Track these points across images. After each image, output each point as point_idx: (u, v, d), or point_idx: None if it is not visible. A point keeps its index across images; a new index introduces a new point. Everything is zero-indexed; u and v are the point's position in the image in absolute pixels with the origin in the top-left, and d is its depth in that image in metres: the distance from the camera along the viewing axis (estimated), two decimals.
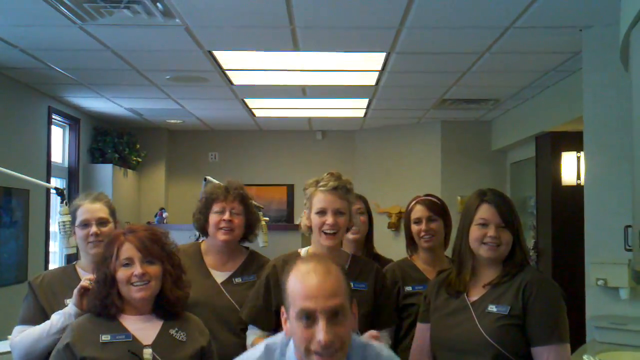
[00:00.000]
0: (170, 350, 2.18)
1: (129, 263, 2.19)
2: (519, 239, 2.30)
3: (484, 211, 2.29)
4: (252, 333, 2.58)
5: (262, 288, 2.56)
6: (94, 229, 2.67)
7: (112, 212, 2.79)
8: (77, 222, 2.72)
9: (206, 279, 2.83)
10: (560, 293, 2.24)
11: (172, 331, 2.23)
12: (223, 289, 2.80)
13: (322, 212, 2.50)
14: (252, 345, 2.47)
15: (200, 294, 2.74)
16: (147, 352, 2.14)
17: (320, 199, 2.51)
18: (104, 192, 2.96)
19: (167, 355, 2.16)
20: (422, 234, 2.93)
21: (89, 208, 2.72)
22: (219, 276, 2.85)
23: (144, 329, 2.20)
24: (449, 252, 3.07)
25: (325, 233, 2.50)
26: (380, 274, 2.70)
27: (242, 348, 2.70)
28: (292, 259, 2.25)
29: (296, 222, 4.05)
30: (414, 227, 2.97)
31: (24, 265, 5.69)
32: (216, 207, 2.83)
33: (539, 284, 2.21)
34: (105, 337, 2.14)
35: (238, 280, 2.84)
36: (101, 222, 2.71)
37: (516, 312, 2.18)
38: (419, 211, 2.97)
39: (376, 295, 2.60)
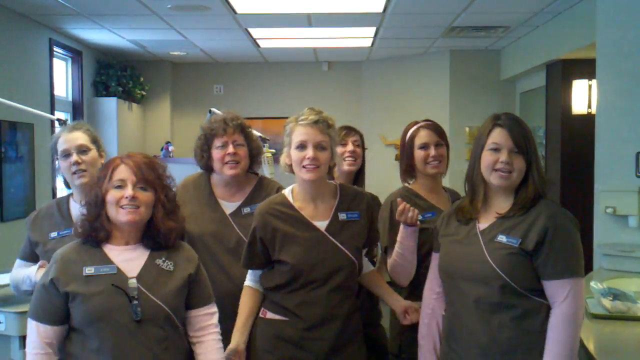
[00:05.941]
0: (157, 282, 2.11)
1: (121, 185, 2.11)
2: (533, 166, 2.21)
3: (497, 135, 2.22)
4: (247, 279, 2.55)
5: (251, 238, 2.48)
6: (74, 157, 2.64)
7: (94, 140, 2.74)
8: (58, 154, 2.68)
9: (215, 210, 2.80)
10: (576, 225, 2.16)
11: (159, 261, 2.15)
12: (232, 221, 2.77)
13: (302, 146, 2.39)
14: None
15: (209, 227, 2.74)
16: (132, 283, 2.07)
17: (300, 133, 2.40)
18: (83, 121, 2.90)
19: (154, 286, 2.10)
20: (430, 159, 2.80)
21: (68, 137, 2.68)
22: (228, 207, 2.82)
23: (129, 260, 2.13)
24: (447, 181, 3.02)
25: (305, 167, 2.39)
26: (372, 201, 2.64)
27: None
28: (275, 205, 2.46)
29: None
30: (419, 153, 2.81)
31: (32, 199, 5.71)
32: (218, 142, 2.77)
33: (556, 218, 2.13)
34: (89, 270, 2.07)
35: (247, 210, 2.80)
36: (81, 150, 2.66)
37: (527, 245, 2.10)
38: (425, 136, 2.82)
39: (370, 223, 2.55)
